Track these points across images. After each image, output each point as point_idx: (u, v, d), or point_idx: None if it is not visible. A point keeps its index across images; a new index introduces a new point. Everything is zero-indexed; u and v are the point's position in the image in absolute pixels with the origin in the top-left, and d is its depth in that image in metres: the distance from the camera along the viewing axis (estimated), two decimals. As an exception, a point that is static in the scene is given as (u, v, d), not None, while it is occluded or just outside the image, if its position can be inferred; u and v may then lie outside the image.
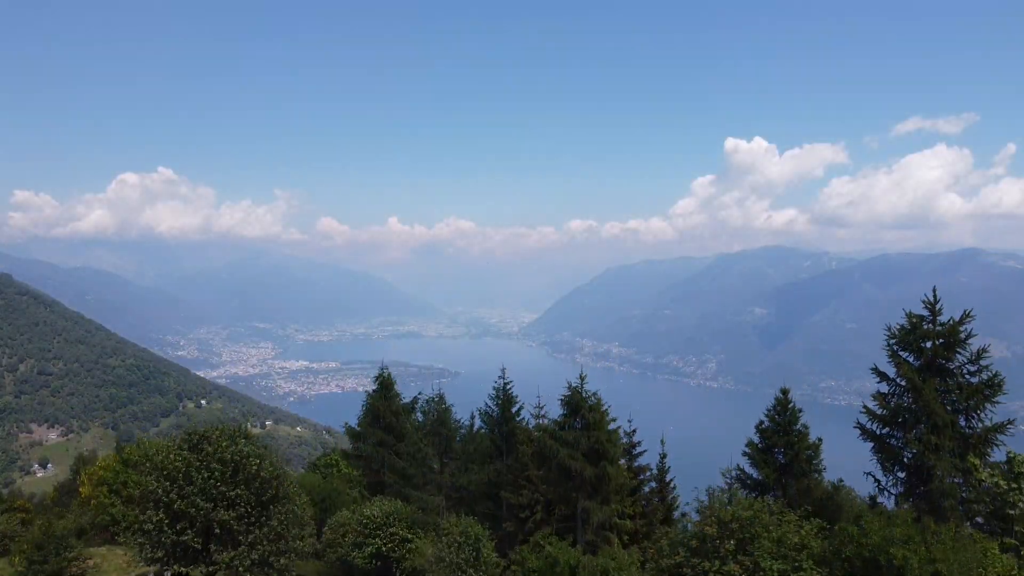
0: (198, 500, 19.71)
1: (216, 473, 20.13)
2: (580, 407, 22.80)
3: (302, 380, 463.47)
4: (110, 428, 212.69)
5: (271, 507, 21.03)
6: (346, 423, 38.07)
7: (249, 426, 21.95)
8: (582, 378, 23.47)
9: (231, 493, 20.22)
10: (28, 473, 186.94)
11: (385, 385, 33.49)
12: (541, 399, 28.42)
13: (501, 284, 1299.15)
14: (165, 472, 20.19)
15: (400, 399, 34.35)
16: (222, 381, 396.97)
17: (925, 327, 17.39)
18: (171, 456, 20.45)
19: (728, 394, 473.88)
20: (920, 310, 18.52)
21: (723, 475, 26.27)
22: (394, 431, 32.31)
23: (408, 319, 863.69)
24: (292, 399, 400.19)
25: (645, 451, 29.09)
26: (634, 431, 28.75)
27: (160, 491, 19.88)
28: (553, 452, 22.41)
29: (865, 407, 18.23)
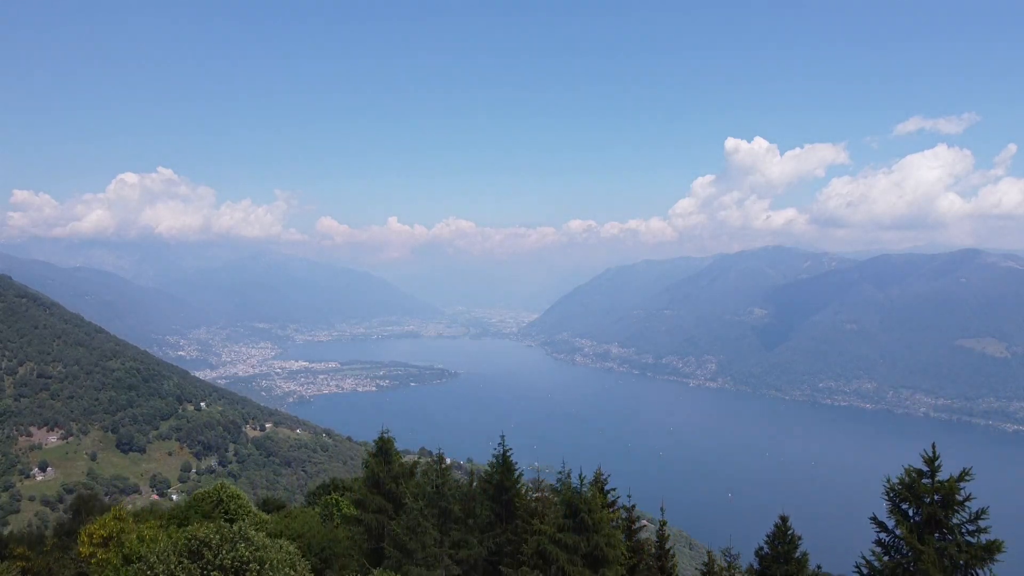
0: (197, 613, 19.76)
1: (216, 582, 20.16)
2: (579, 510, 22.86)
3: (302, 380, 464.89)
4: (110, 431, 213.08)
5: (270, 613, 21.06)
6: (350, 485, 37.90)
7: (248, 525, 21.50)
8: (582, 479, 23.53)
9: (231, 602, 20.24)
10: (28, 477, 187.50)
11: (385, 449, 33.30)
12: (539, 471, 28.34)
13: (501, 284, 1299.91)
14: (164, 584, 20.21)
15: (400, 458, 34.17)
16: (222, 382, 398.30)
17: (924, 482, 17.39)
18: (170, 567, 20.43)
19: (727, 394, 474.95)
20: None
21: (723, 554, 26.30)
22: (394, 499, 32.20)
23: (408, 319, 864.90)
24: (292, 399, 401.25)
25: (644, 525, 29.01)
26: (633, 506, 28.73)
27: (160, 605, 19.92)
28: (553, 557, 22.50)
29: (864, 559, 18.26)
